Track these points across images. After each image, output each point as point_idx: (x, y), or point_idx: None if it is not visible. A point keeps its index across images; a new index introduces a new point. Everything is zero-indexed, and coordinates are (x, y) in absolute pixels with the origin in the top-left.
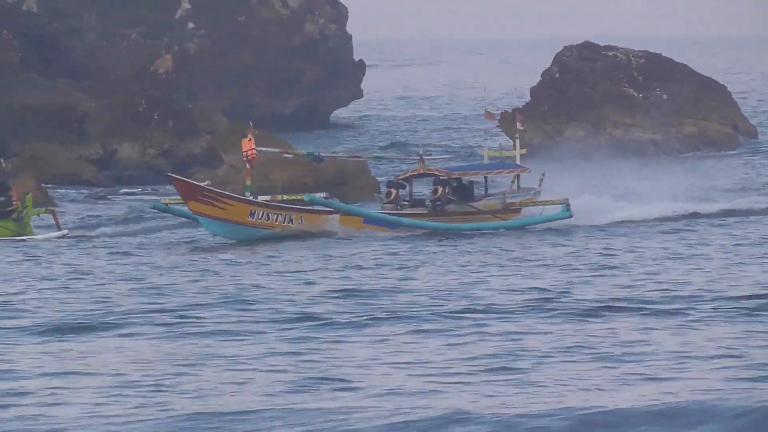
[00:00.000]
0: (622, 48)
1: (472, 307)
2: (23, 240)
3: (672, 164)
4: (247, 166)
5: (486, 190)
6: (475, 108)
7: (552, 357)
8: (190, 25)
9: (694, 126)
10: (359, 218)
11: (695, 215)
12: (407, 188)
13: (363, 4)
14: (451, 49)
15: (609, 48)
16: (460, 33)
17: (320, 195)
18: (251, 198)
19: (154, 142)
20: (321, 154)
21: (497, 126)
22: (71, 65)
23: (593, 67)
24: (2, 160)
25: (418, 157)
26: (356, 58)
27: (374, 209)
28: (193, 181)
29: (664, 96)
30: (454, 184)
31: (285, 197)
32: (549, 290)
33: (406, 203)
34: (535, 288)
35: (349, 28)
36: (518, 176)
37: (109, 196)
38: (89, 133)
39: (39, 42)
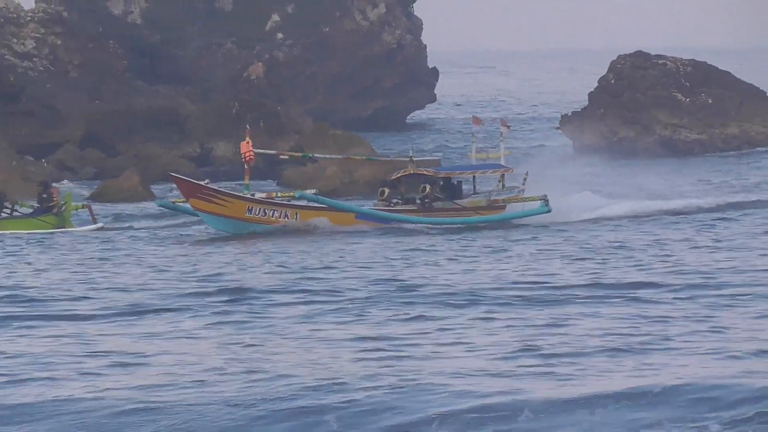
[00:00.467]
0: (671, 57)
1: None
2: (63, 232)
3: (699, 164)
4: (246, 166)
5: (474, 188)
6: (534, 111)
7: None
8: (280, 35)
9: (737, 127)
10: (351, 214)
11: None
12: (399, 187)
13: (439, 16)
14: (521, 57)
15: (659, 57)
16: (529, 44)
17: (311, 191)
18: (248, 195)
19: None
20: (315, 156)
21: (557, 128)
22: (173, 72)
23: (644, 74)
24: (44, 161)
25: (409, 158)
26: (430, 65)
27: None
28: (193, 180)
29: (709, 100)
30: (441, 183)
31: (279, 194)
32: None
33: (399, 201)
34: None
35: (424, 38)
36: (503, 176)
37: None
38: (188, 134)
39: (144, 52)
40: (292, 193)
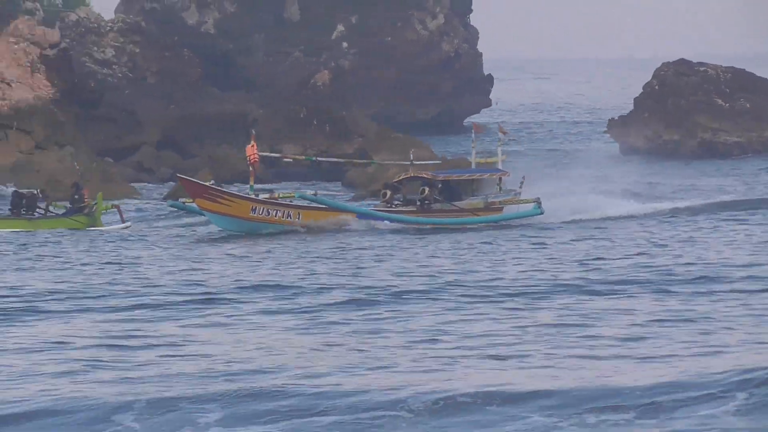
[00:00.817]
0: (711, 64)
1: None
2: (94, 230)
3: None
4: (250, 168)
5: (473, 191)
6: (578, 115)
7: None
8: (345, 44)
9: None
10: (353, 214)
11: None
12: (400, 189)
13: (495, 25)
14: (572, 65)
15: (700, 64)
16: (578, 53)
17: (310, 192)
18: (253, 196)
19: (313, 144)
20: (317, 158)
21: (604, 131)
22: (243, 79)
23: (687, 81)
24: (75, 163)
25: (409, 162)
26: (485, 72)
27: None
28: (199, 181)
29: (747, 105)
30: (440, 186)
31: (281, 195)
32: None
33: (399, 202)
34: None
35: (480, 47)
36: (500, 179)
37: (273, 191)
38: (257, 137)
39: (216, 60)
40: (292, 194)
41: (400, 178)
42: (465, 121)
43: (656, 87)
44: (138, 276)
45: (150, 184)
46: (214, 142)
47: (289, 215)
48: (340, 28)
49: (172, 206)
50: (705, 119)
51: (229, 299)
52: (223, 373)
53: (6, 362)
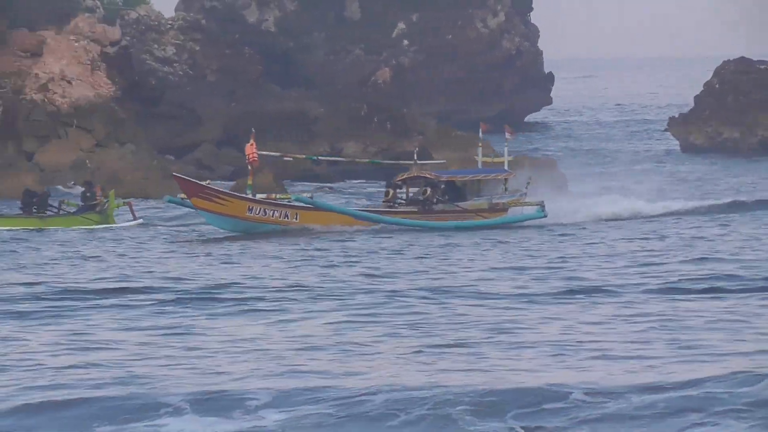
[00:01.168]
0: None
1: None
2: (106, 228)
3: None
4: (249, 168)
5: (479, 192)
6: (635, 114)
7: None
8: (405, 42)
9: None
10: (350, 216)
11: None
12: (403, 188)
13: (557, 24)
14: (632, 63)
15: (761, 62)
16: (638, 51)
17: (306, 195)
18: (250, 196)
19: (374, 142)
20: (319, 158)
21: (665, 129)
22: (304, 77)
23: (747, 79)
24: (87, 162)
25: (413, 162)
26: (546, 70)
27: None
28: (195, 180)
29: None
30: (443, 186)
31: (278, 196)
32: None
33: (402, 202)
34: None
35: (540, 44)
36: (506, 180)
37: (335, 188)
38: (318, 134)
39: (277, 57)
40: (288, 195)
41: (403, 177)
42: (526, 118)
43: (717, 85)
44: (168, 272)
45: (211, 182)
46: (274, 140)
47: (286, 215)
48: (401, 26)
49: (170, 202)
50: (765, 117)
51: (274, 297)
52: (277, 367)
53: (73, 354)
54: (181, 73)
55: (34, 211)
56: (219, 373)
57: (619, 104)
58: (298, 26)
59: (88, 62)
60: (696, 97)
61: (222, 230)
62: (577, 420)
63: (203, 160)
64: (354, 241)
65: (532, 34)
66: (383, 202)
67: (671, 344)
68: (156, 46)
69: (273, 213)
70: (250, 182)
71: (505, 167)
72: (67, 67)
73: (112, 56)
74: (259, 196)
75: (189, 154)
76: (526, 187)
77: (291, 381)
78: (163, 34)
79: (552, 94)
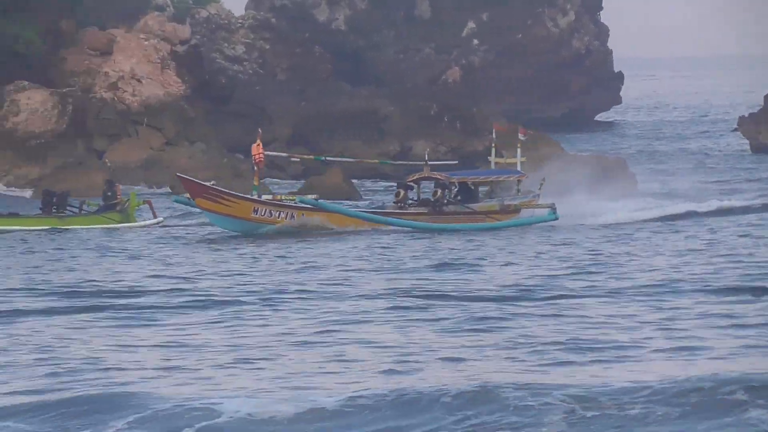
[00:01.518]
0: None
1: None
2: (127, 227)
3: None
4: (255, 168)
5: (491, 193)
6: (713, 114)
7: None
8: (475, 41)
9: None
10: (357, 218)
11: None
12: (414, 189)
13: (627, 24)
14: (702, 62)
15: None
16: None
17: (311, 197)
18: (255, 197)
19: (444, 140)
20: (327, 158)
21: (735, 129)
22: (374, 75)
23: None
24: (107, 161)
25: (424, 162)
26: (616, 70)
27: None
28: (199, 181)
29: None
30: (454, 188)
31: (283, 197)
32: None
33: (414, 202)
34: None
35: (610, 44)
36: (519, 181)
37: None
38: (388, 133)
39: (347, 56)
40: (292, 197)
41: (414, 178)
42: (595, 118)
43: None
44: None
45: (282, 181)
46: (344, 138)
47: (293, 217)
48: (471, 25)
49: (176, 202)
50: None
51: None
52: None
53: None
54: (251, 71)
55: (54, 211)
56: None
57: (687, 104)
58: (369, 25)
59: (158, 61)
60: (766, 97)
61: (226, 231)
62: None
63: (273, 159)
64: (379, 241)
65: (602, 33)
66: (394, 203)
67: None
68: (226, 44)
69: (279, 214)
70: (256, 183)
71: (518, 168)
72: (137, 66)
73: (182, 55)
74: (264, 198)
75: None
76: (539, 189)
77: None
78: (233, 33)
79: (621, 93)
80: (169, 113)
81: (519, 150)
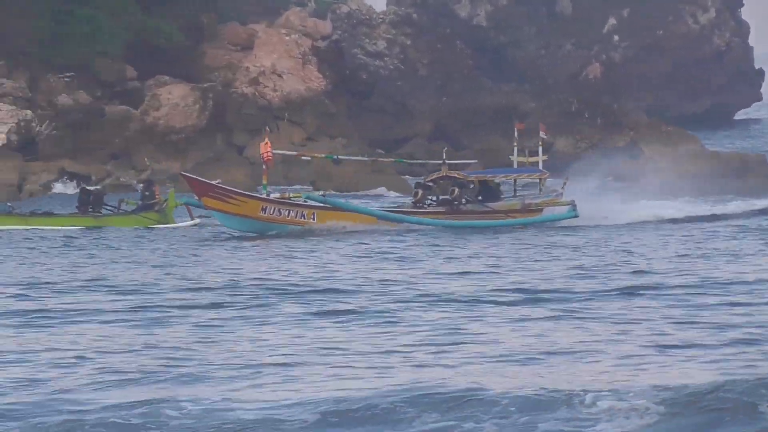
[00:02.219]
0: None
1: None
2: (165, 227)
3: None
4: (264, 167)
5: (515, 191)
6: None
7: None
8: (616, 37)
9: None
10: (371, 216)
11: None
12: (433, 189)
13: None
14: None
15: None
16: None
17: (319, 194)
18: (264, 195)
19: (585, 136)
20: (339, 157)
21: None
22: (514, 71)
23: None
24: (147, 160)
25: (442, 161)
26: (756, 67)
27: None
28: (205, 180)
29: None
30: (472, 186)
31: (292, 195)
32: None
33: (433, 202)
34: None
35: (751, 41)
36: (540, 179)
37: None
38: (529, 129)
39: (487, 51)
40: (299, 194)
41: (433, 177)
42: (735, 115)
43: None
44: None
45: (422, 177)
46: (485, 135)
47: (302, 215)
48: (612, 21)
49: (186, 204)
50: None
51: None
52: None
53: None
54: (391, 67)
55: (90, 210)
56: None
57: None
58: (510, 21)
59: (299, 56)
60: None
61: (237, 231)
62: None
63: (415, 154)
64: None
65: (743, 29)
66: (413, 203)
67: None
68: (367, 40)
69: (288, 213)
70: (264, 181)
71: (539, 167)
72: (278, 61)
73: (323, 50)
74: (273, 196)
75: (399, 148)
76: (562, 188)
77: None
78: (374, 28)
79: (761, 90)
80: (310, 108)
81: (541, 148)
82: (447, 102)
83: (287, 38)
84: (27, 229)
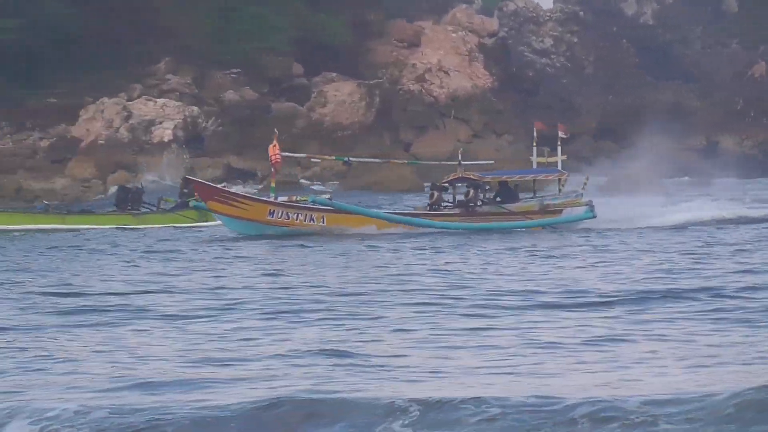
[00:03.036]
0: None
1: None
2: (204, 226)
3: None
4: (272, 170)
5: (534, 192)
6: None
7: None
8: None
9: None
10: (379, 219)
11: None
12: (449, 190)
13: None
14: None
15: None
16: None
17: (325, 196)
18: (272, 199)
19: (749, 136)
20: (350, 159)
21: None
22: (680, 69)
23: None
24: (185, 156)
25: (457, 162)
26: None
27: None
28: (210, 183)
29: None
30: (488, 187)
31: (299, 198)
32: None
33: (449, 204)
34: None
35: None
36: (559, 180)
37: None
38: (694, 127)
39: (653, 50)
40: (305, 197)
41: (448, 179)
42: None
43: None
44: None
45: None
46: (650, 133)
47: (311, 219)
48: None
49: (195, 207)
50: None
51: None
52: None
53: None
54: (558, 65)
55: (129, 208)
56: None
57: None
58: (676, 19)
59: (466, 53)
60: None
61: (243, 235)
62: None
63: (580, 152)
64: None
65: None
66: (428, 205)
67: None
68: (534, 37)
69: (297, 216)
70: (273, 184)
71: (559, 167)
72: (444, 58)
73: (490, 47)
74: (280, 199)
75: (566, 146)
76: (582, 188)
77: None
78: (541, 26)
79: None
80: (477, 105)
81: (559, 148)
82: (612, 100)
83: (454, 35)
84: (64, 228)
